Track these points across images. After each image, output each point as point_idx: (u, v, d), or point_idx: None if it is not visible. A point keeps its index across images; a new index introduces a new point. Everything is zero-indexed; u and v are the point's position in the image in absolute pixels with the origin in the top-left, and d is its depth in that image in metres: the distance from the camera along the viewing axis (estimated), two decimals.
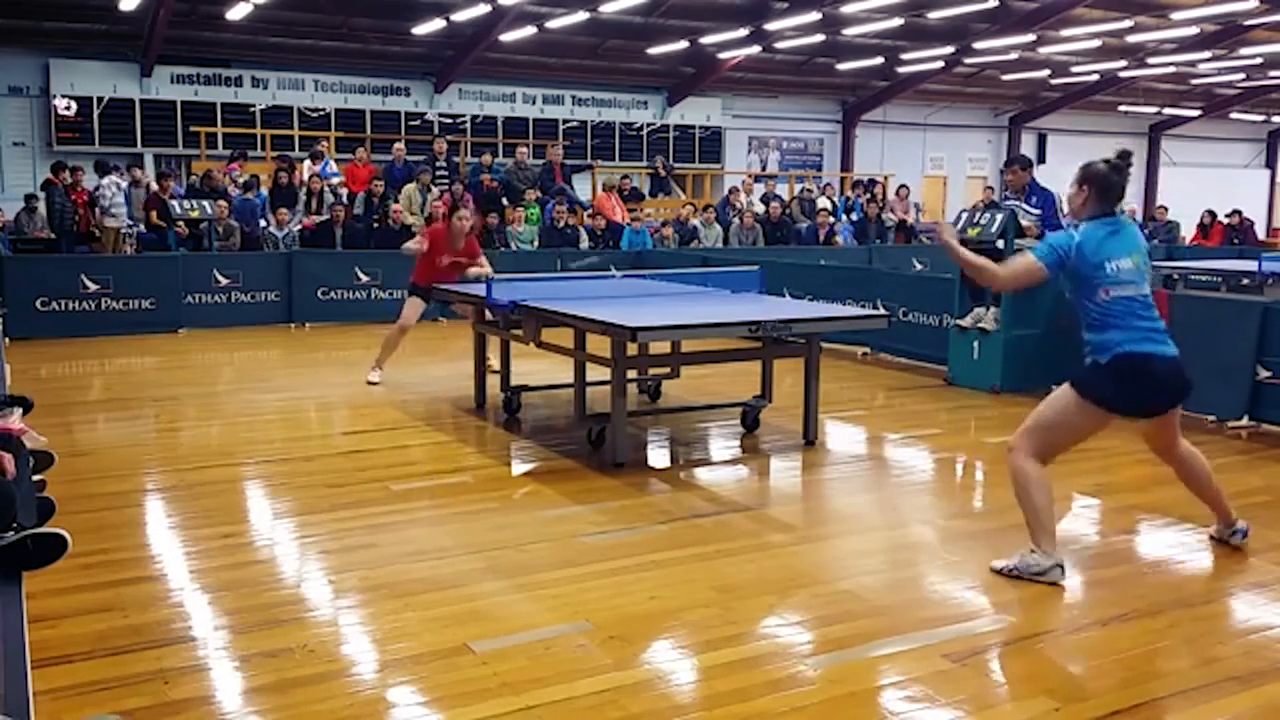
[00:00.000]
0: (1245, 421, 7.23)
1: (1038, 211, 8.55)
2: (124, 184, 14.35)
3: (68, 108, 17.26)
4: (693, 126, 22.35)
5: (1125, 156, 4.44)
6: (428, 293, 8.56)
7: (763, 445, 6.87)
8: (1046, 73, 22.99)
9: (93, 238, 13.92)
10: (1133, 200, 24.04)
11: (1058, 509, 5.56)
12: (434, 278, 8.49)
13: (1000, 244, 8.30)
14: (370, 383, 8.63)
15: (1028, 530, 4.45)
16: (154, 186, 13.76)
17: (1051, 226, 8.69)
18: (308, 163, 15.31)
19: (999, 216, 8.41)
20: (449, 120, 19.87)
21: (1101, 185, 4.33)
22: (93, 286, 11.48)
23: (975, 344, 8.61)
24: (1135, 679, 3.55)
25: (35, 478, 4.28)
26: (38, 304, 11.21)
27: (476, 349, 7.90)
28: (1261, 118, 28.11)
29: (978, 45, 19.56)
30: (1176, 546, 4.96)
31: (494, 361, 8.07)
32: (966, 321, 8.69)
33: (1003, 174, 10.25)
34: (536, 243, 14.83)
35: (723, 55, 20.23)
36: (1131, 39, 19.50)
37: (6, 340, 9.07)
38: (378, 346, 8.92)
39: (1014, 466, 4.43)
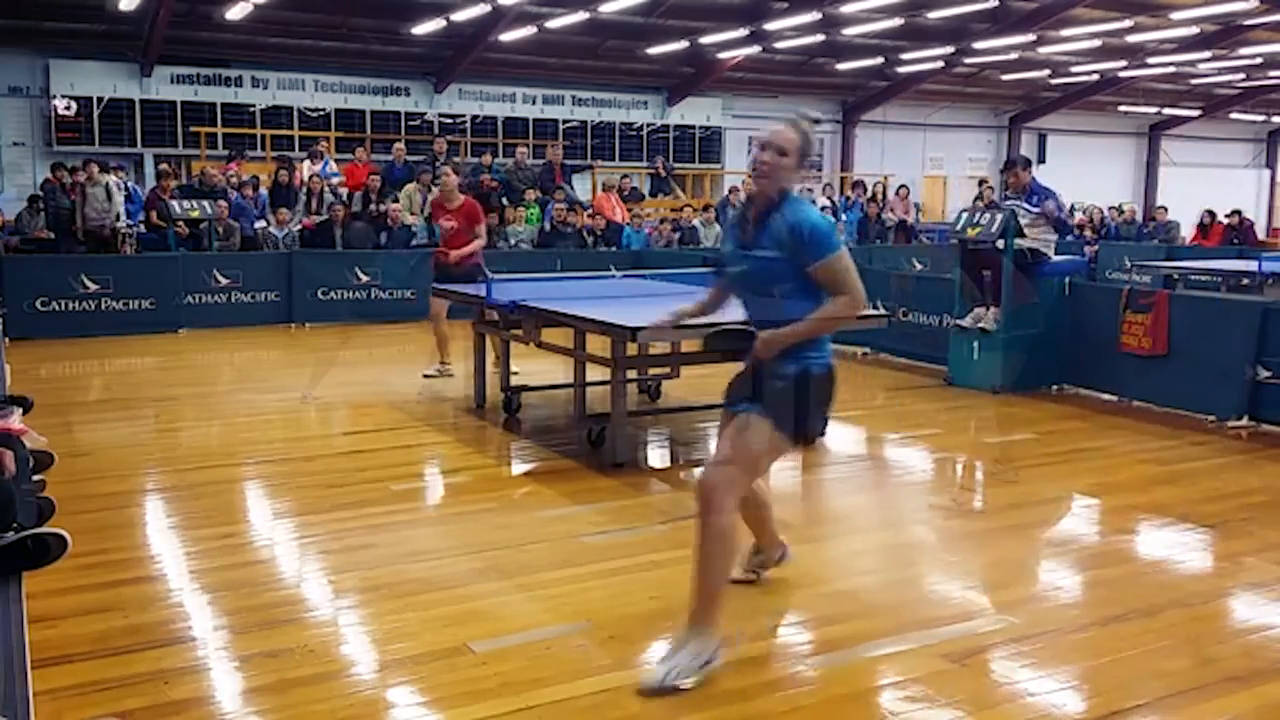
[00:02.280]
0: (1244, 421, 7.23)
1: (1038, 210, 8.55)
2: (124, 182, 14.31)
3: (67, 108, 17.23)
4: (692, 126, 22.33)
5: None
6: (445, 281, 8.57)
7: None
8: (1046, 73, 22.97)
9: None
10: (1133, 200, 24.03)
11: (1058, 508, 5.60)
12: (448, 249, 8.61)
13: (1000, 244, 8.30)
14: (426, 375, 8.82)
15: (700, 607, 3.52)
16: (93, 180, 13.63)
17: (1059, 223, 8.70)
18: (307, 163, 15.29)
19: (999, 216, 8.41)
20: (449, 120, 19.84)
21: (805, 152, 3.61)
22: (93, 286, 11.48)
23: (975, 344, 8.60)
24: (1135, 679, 3.55)
25: (35, 478, 4.27)
26: (37, 304, 11.21)
27: (476, 349, 7.90)
28: (1261, 118, 28.08)
29: (977, 45, 19.54)
30: (1176, 546, 4.95)
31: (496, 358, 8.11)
32: (966, 322, 8.68)
33: (1003, 174, 10.24)
34: (536, 242, 14.83)
35: (722, 55, 20.21)
36: (1131, 39, 19.47)
37: (6, 340, 9.05)
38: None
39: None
